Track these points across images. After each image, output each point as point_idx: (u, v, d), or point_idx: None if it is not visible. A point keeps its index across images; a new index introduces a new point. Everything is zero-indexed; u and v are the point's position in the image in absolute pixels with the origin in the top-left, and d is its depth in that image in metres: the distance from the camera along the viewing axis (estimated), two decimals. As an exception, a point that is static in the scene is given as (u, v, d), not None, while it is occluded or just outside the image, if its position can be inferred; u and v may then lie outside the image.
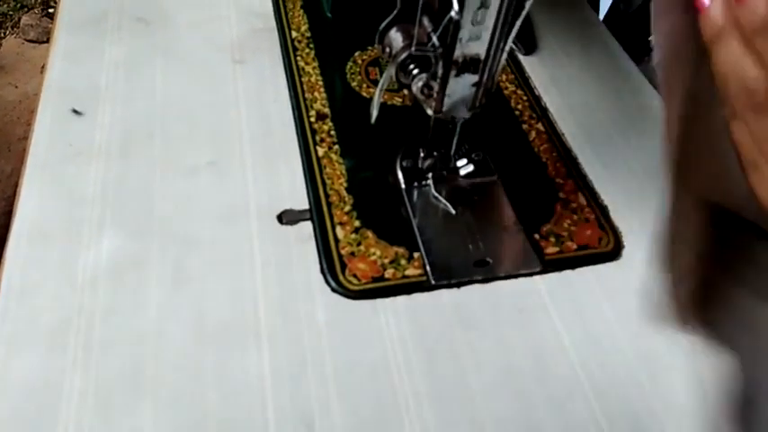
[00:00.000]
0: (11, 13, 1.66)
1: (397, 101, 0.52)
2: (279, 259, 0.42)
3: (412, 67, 0.36)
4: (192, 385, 0.36)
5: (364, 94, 0.53)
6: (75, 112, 0.47)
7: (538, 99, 0.54)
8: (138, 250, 0.41)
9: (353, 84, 0.54)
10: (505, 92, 0.55)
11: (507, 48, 0.38)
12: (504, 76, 0.56)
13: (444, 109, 0.40)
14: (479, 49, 0.37)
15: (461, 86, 0.39)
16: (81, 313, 0.38)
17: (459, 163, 0.47)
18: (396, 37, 0.36)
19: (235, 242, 0.42)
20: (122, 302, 0.39)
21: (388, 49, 0.36)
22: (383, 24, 0.36)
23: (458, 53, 0.36)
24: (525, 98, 0.54)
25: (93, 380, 0.35)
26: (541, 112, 0.53)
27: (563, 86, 0.56)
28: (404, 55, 0.35)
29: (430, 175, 0.47)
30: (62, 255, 0.41)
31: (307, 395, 0.36)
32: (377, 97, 0.40)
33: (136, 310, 0.39)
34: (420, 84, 0.36)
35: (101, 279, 0.40)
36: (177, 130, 0.49)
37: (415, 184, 0.47)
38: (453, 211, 0.45)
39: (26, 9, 1.68)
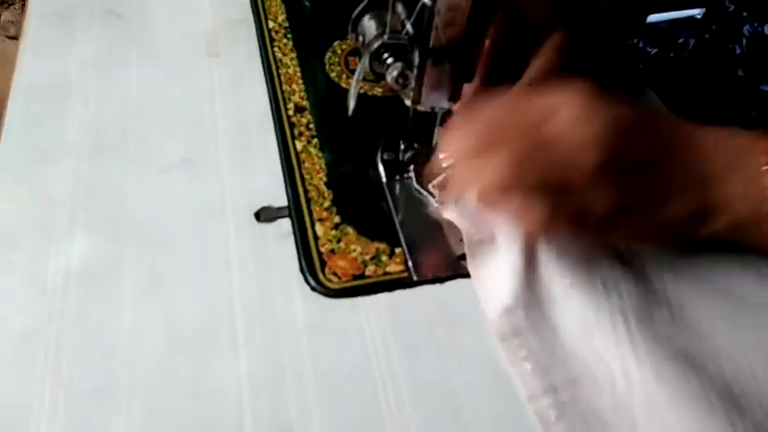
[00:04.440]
0: (-9, 9, 1.63)
1: (378, 91, 0.51)
2: (256, 259, 0.40)
3: (386, 56, 0.34)
4: (166, 394, 0.34)
5: (344, 84, 0.51)
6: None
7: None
8: (111, 253, 0.40)
9: (333, 74, 0.52)
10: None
11: (485, 34, 0.37)
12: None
13: (423, 99, 0.39)
14: (456, 36, 0.35)
15: (439, 75, 0.38)
16: (51, 321, 0.37)
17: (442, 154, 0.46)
18: (369, 25, 0.34)
19: (210, 242, 0.41)
20: (94, 309, 0.37)
21: (361, 38, 0.35)
22: (356, 12, 0.35)
23: (434, 41, 0.35)
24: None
25: (63, 392, 0.34)
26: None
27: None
28: (377, 44, 0.34)
29: (411, 167, 0.45)
30: (31, 260, 0.39)
31: (285, 400, 0.34)
32: (353, 88, 0.39)
33: (108, 316, 0.37)
34: (395, 73, 0.34)
35: (72, 285, 0.38)
36: (151, 126, 0.47)
37: (397, 177, 0.45)
38: (436, 204, 0.44)
39: (6, 5, 1.65)
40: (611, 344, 0.35)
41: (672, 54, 0.72)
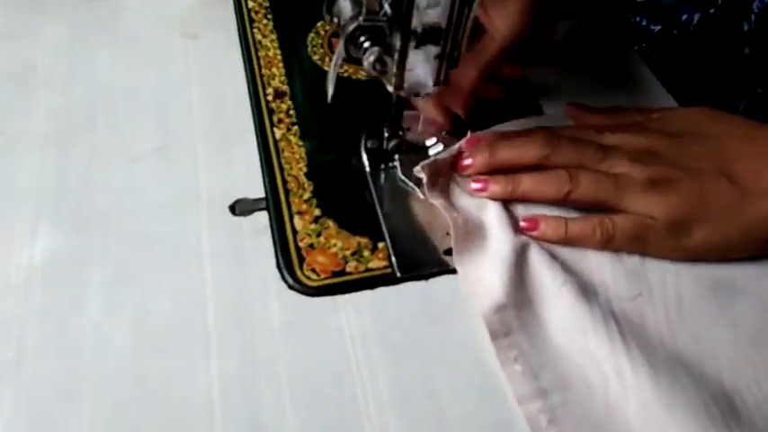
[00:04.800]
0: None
1: (362, 75, 0.49)
2: (231, 254, 0.38)
3: (363, 39, 0.32)
4: (133, 396, 0.33)
5: (327, 68, 0.49)
6: None
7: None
8: (77, 248, 0.38)
9: (315, 57, 0.50)
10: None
11: (473, 14, 0.34)
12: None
13: (406, 84, 0.37)
14: (439, 17, 0.33)
15: (423, 59, 0.35)
16: (13, 320, 0.35)
17: (428, 142, 0.44)
18: (344, 6, 0.32)
19: (182, 236, 0.39)
20: (59, 307, 0.36)
21: (336, 20, 0.32)
22: (330, -9, 0.32)
23: (416, 22, 0.33)
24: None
25: (25, 394, 0.32)
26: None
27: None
28: (352, 26, 0.31)
29: (396, 156, 0.43)
30: (-6, 255, 0.37)
31: (259, 402, 0.33)
32: (331, 73, 0.36)
33: (73, 315, 0.35)
34: (372, 58, 0.32)
35: (36, 280, 0.37)
36: (122, 114, 0.45)
37: (381, 166, 0.43)
38: (422, 196, 0.42)
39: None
40: (604, 345, 0.34)
41: (675, 31, 0.69)
